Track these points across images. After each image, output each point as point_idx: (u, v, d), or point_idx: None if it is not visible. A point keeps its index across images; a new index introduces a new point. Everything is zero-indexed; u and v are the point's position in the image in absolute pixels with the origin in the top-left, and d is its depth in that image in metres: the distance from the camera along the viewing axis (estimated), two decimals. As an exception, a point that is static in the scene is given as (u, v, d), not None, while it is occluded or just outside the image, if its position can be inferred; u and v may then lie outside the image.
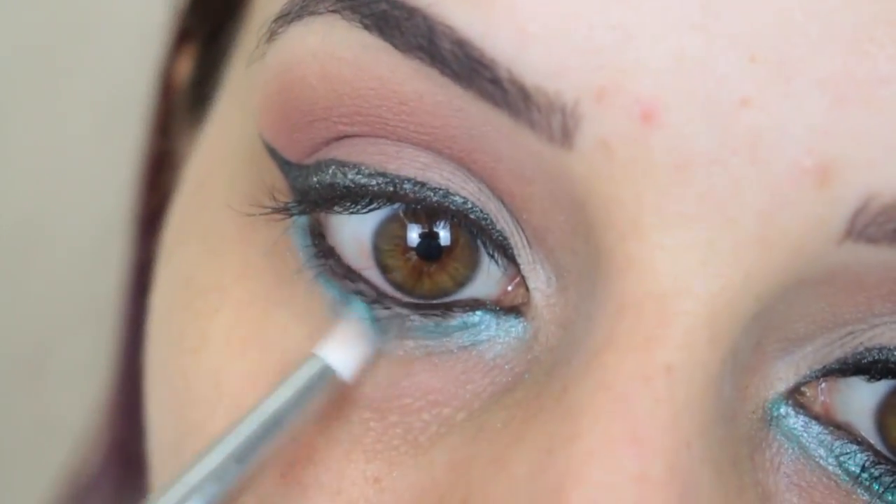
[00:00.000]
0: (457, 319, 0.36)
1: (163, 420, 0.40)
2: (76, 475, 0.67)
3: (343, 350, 0.36)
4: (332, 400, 0.37)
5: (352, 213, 0.36)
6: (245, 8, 0.44)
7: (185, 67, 0.52)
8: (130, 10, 0.84)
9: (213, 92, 0.46)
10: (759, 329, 0.33)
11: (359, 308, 0.37)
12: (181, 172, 0.50)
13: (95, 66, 0.87)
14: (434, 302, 0.37)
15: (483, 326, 0.36)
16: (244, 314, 0.38)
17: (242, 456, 0.35)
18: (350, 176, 0.36)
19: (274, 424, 0.35)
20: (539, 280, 0.36)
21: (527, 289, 0.36)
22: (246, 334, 0.38)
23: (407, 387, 0.36)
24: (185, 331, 0.39)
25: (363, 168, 0.36)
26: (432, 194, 0.36)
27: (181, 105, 0.52)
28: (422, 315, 0.36)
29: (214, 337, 0.38)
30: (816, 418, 0.35)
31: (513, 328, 0.36)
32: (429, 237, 0.36)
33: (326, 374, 0.36)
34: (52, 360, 0.91)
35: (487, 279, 0.36)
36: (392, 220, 0.37)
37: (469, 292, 0.37)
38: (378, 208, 0.36)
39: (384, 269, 0.37)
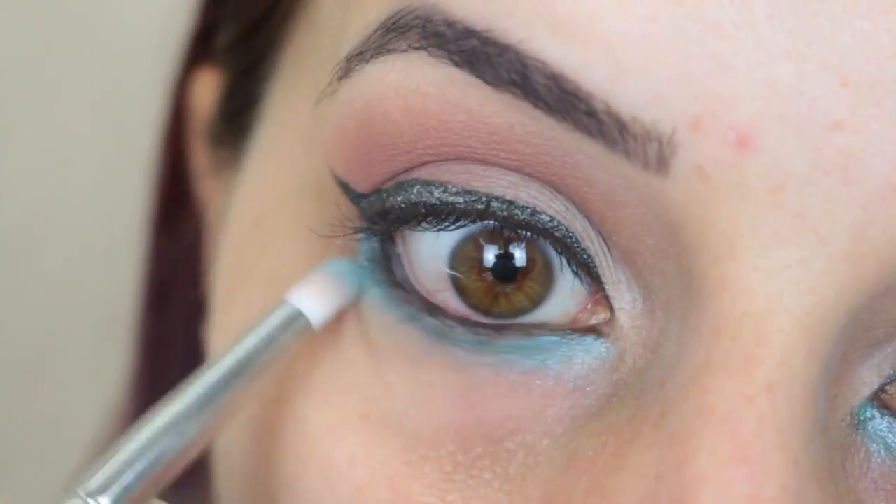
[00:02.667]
0: (536, 339, 0.37)
1: (250, 470, 0.40)
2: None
3: (316, 297, 0.37)
4: (413, 434, 0.37)
5: (440, 229, 0.36)
6: (290, 41, 0.44)
7: (205, 97, 0.51)
8: (130, 10, 0.83)
9: (251, 126, 0.45)
10: (847, 339, 0.34)
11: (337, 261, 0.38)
12: (216, 207, 0.50)
13: (95, 67, 0.86)
14: (510, 322, 0.37)
15: (563, 347, 0.36)
16: (320, 359, 0.38)
17: (198, 409, 0.36)
18: (437, 194, 0.36)
19: (237, 373, 0.36)
20: (624, 300, 0.36)
21: (610, 308, 0.36)
22: (324, 380, 0.38)
23: (485, 414, 0.36)
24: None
25: (450, 186, 0.36)
26: (520, 212, 0.36)
27: (205, 138, 0.51)
28: (497, 335, 0.37)
29: (294, 386, 0.38)
30: None
31: (593, 348, 0.36)
32: (504, 258, 0.37)
33: (297, 320, 0.37)
34: (52, 362, 0.91)
35: (565, 298, 0.37)
36: (468, 241, 0.37)
37: (546, 311, 0.37)
38: (465, 225, 0.36)
39: (460, 290, 0.37)
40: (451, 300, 0.37)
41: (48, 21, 0.88)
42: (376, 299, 0.38)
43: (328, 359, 0.38)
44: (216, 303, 0.44)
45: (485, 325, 0.37)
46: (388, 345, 0.38)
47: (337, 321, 0.38)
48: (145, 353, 0.60)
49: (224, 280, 0.44)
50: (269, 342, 0.36)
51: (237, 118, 0.47)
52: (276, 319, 0.37)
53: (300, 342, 0.37)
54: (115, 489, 0.34)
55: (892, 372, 0.35)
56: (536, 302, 0.37)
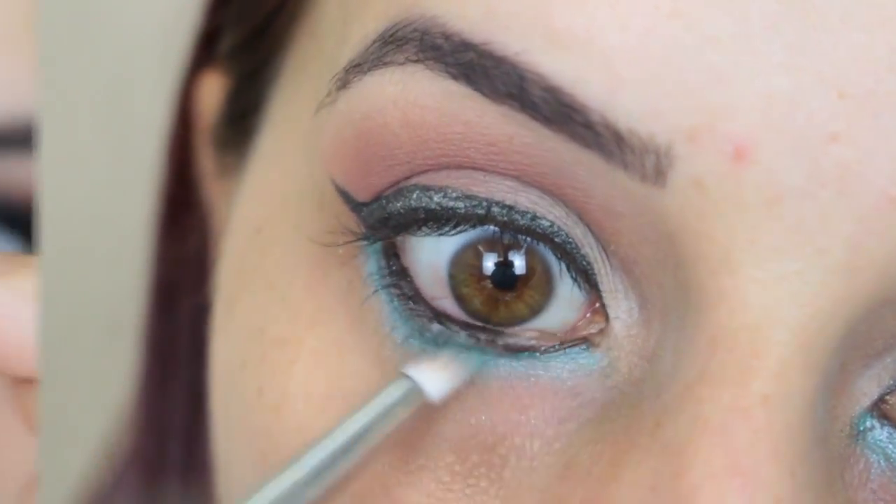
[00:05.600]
0: (532, 347, 0.37)
1: (249, 477, 0.40)
2: (95, 482, 0.67)
3: (434, 372, 0.36)
4: (412, 444, 0.37)
5: (440, 234, 0.37)
6: (293, 46, 0.44)
7: (211, 99, 0.51)
8: (136, 10, 0.83)
9: (255, 131, 0.45)
10: (845, 351, 0.34)
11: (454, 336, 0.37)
12: (221, 210, 0.50)
13: (100, 67, 0.86)
14: (506, 329, 0.37)
15: (558, 355, 0.37)
16: (321, 364, 0.38)
17: (312, 480, 0.35)
18: (436, 199, 0.36)
19: (350, 447, 0.35)
20: (620, 309, 0.36)
21: (606, 317, 0.36)
22: (326, 387, 0.38)
23: (479, 423, 0.37)
24: (263, 387, 0.39)
25: (450, 191, 0.36)
26: (520, 217, 0.36)
27: (210, 141, 0.51)
28: (490, 342, 0.37)
29: (295, 393, 0.38)
30: None
31: (584, 357, 0.36)
32: (504, 266, 0.37)
33: (414, 395, 0.36)
34: (52, 362, 0.91)
35: (565, 306, 0.37)
36: (467, 248, 0.37)
37: (545, 319, 0.37)
38: (465, 230, 0.36)
39: (459, 297, 0.37)
40: (450, 308, 0.37)
41: (50, 22, 0.88)
42: (382, 310, 0.38)
43: (331, 367, 0.38)
44: (218, 307, 0.44)
45: (484, 330, 0.37)
46: (394, 355, 0.38)
47: (338, 326, 0.39)
48: (152, 356, 0.60)
49: (226, 285, 0.44)
50: (385, 417, 0.36)
51: (241, 122, 0.47)
52: (394, 394, 0.36)
53: (414, 414, 0.37)
54: None
55: (891, 382, 0.35)
56: (535, 310, 0.37)
